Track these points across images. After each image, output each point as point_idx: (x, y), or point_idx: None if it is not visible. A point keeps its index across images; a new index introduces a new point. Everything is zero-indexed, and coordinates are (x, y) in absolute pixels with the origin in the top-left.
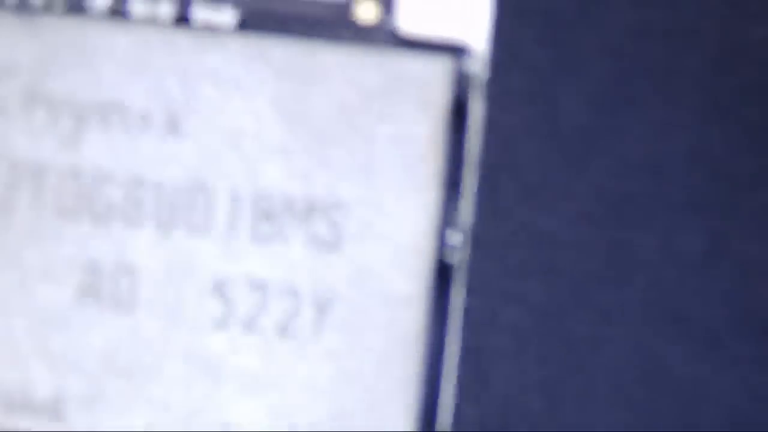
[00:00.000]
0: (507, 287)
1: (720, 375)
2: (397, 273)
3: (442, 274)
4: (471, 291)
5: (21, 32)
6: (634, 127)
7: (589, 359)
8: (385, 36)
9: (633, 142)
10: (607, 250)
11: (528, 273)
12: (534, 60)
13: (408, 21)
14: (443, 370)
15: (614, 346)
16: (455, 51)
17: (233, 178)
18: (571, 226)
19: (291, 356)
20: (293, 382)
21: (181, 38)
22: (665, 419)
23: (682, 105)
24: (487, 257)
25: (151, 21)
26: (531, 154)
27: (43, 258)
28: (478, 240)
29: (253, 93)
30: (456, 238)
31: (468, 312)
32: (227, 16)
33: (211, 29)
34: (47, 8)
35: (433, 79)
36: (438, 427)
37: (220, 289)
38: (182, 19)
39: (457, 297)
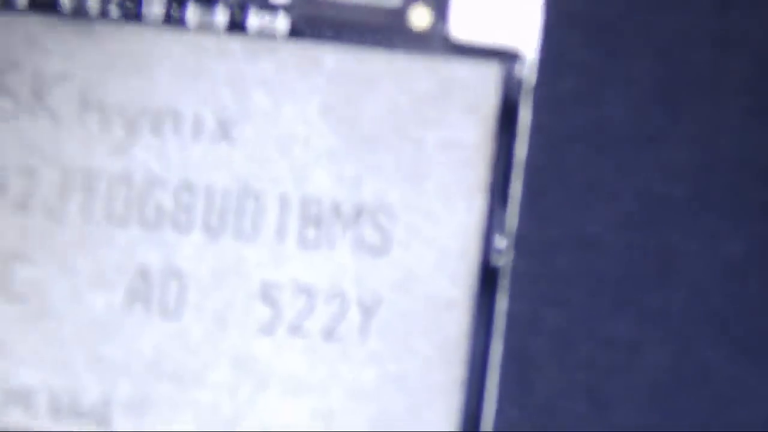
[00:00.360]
0: (551, 291)
1: (762, 378)
2: (443, 277)
3: (487, 278)
4: (515, 295)
5: (76, 39)
6: (681, 131)
7: (631, 362)
8: (437, 42)
9: (679, 146)
10: (650, 254)
11: (572, 277)
12: (582, 65)
13: (461, 27)
14: (487, 373)
15: (657, 349)
16: (505, 56)
17: (282, 184)
18: (616, 231)
19: (336, 360)
20: (338, 385)
21: (235, 45)
22: (707, 422)
23: (728, 109)
24: (532, 261)
25: (205, 28)
26: (578, 159)
27: (94, 263)
28: (523, 244)
29: (304, 99)
30: (501, 243)
31: (512, 316)
32: (280, 23)
33: (264, 36)
34: (102, 15)
35: (481, 85)
36: (481, 429)
37: (267, 293)
38: (236, 26)
39: (502, 301)
